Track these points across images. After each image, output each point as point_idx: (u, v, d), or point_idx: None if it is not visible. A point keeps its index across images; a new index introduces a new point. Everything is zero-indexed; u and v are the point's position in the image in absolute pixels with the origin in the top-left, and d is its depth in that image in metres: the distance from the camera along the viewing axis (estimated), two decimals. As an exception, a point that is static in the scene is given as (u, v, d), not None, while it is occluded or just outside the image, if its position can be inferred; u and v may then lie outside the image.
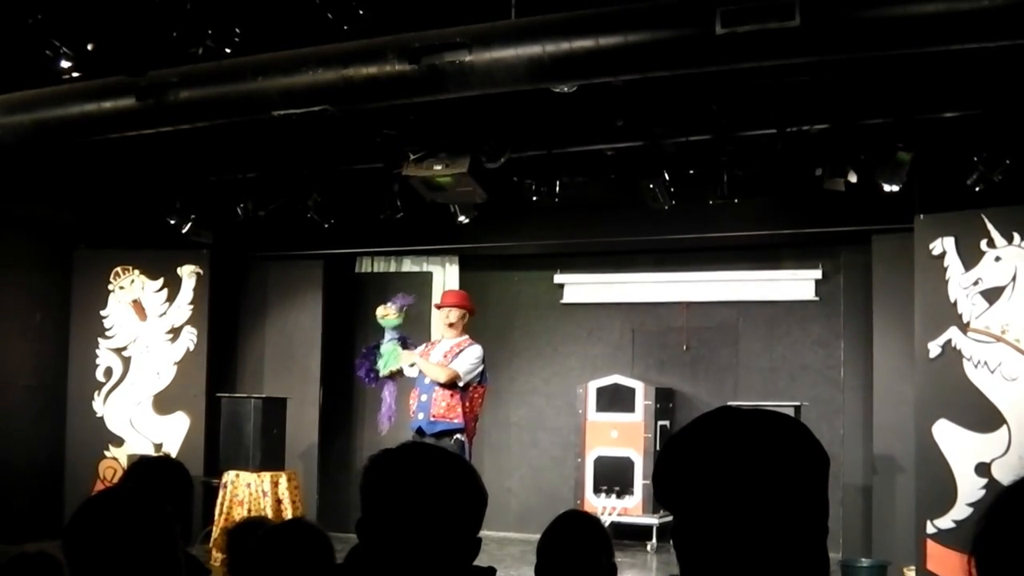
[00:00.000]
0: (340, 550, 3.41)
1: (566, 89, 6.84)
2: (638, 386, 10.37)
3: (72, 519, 2.48)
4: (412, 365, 7.77)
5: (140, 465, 3.80)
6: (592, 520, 3.70)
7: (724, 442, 1.45)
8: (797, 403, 9.32)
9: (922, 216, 8.54)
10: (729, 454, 1.43)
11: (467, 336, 7.79)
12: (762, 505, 1.40)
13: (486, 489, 2.09)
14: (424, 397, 7.58)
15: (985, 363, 8.11)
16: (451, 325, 7.79)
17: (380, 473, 1.99)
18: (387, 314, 7.88)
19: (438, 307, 8.21)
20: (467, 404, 7.54)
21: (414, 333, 8.41)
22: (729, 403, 9.53)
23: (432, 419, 7.50)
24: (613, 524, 9.76)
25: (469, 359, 7.60)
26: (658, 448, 10.17)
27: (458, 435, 7.46)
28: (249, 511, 9.05)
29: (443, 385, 7.51)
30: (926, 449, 8.35)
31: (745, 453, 1.43)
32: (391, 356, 7.83)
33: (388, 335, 7.90)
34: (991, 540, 1.36)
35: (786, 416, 1.50)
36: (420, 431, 7.54)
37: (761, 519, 1.40)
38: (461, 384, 7.52)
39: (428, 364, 7.62)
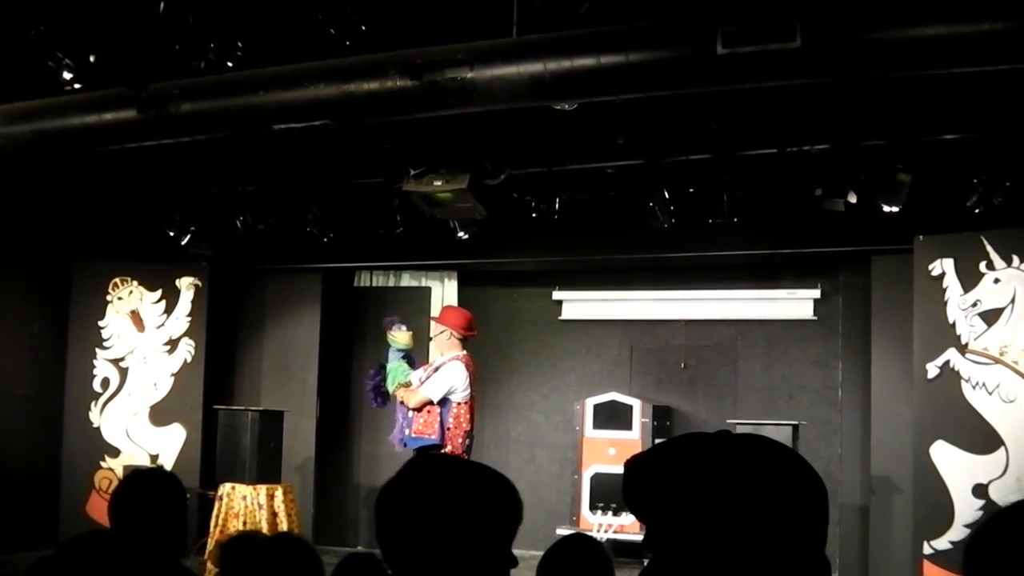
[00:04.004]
0: (334, 565, 3.41)
1: (567, 107, 6.85)
2: (635, 403, 10.35)
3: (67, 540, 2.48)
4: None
5: (132, 477, 3.79)
6: (595, 544, 3.66)
7: (705, 474, 1.42)
8: (795, 422, 9.30)
9: (921, 237, 8.55)
10: (710, 486, 1.40)
11: (456, 353, 7.80)
12: (743, 535, 1.38)
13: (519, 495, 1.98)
14: (410, 413, 7.74)
15: (983, 384, 8.11)
16: (432, 339, 7.96)
17: (405, 490, 1.91)
18: (397, 336, 7.98)
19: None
20: (451, 420, 7.60)
21: (414, 347, 8.41)
22: (727, 422, 9.56)
23: (413, 435, 7.66)
24: (609, 541, 9.74)
25: (438, 380, 7.68)
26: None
27: (439, 452, 7.53)
28: (245, 524, 9.02)
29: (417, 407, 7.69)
30: (924, 470, 8.34)
31: (728, 485, 1.40)
32: (398, 372, 7.87)
33: (393, 355, 7.96)
34: (983, 562, 1.36)
35: (776, 443, 1.47)
36: (405, 445, 7.74)
37: (741, 549, 1.38)
38: (436, 402, 7.61)
39: (405, 392, 7.78)
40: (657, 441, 10.13)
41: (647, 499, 1.45)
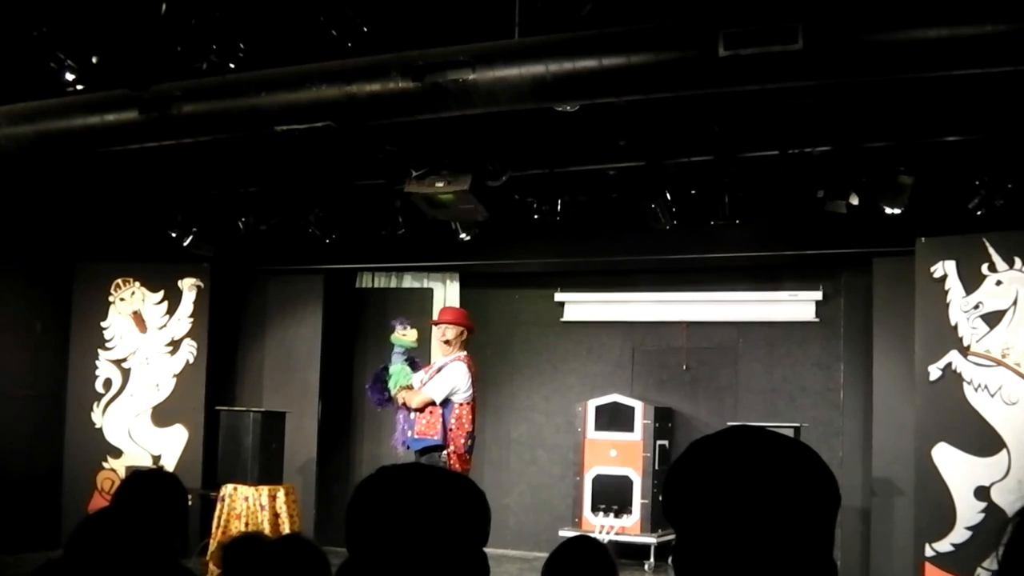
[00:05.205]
0: (337, 565, 3.40)
1: (568, 108, 6.85)
2: (637, 405, 10.35)
3: (71, 537, 2.48)
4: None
5: (133, 479, 3.79)
6: (599, 546, 3.69)
7: (737, 465, 1.45)
8: (796, 424, 9.30)
9: (923, 239, 8.55)
10: (739, 478, 1.43)
11: (459, 354, 7.81)
12: (765, 532, 1.41)
13: (487, 500, 2.02)
14: (412, 414, 7.74)
15: (985, 387, 8.11)
16: (447, 342, 7.92)
17: (373, 500, 1.91)
18: (405, 334, 7.97)
19: (434, 324, 8.29)
20: (452, 421, 7.61)
21: (416, 350, 8.40)
22: (728, 424, 9.55)
23: (416, 436, 7.67)
24: (611, 543, 9.74)
25: (440, 381, 7.69)
26: (657, 467, 10.16)
27: (441, 452, 7.55)
28: (247, 525, 9.03)
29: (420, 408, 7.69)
30: (925, 472, 8.33)
31: (756, 478, 1.43)
32: (400, 374, 7.87)
33: (397, 356, 7.95)
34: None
35: (806, 447, 1.51)
36: (408, 447, 7.75)
37: (764, 546, 1.40)
38: (438, 402, 7.60)
39: (408, 394, 7.79)
40: (659, 443, 10.23)
41: (680, 501, 1.48)
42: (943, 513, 8.17)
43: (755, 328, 10.63)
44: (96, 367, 10.72)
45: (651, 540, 9.97)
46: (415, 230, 9.57)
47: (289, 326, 11.28)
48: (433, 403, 7.61)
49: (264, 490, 9.35)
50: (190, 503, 5.01)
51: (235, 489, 9.35)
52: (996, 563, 1.40)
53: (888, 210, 7.98)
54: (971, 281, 8.27)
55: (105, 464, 10.53)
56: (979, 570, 7.78)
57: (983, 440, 8.06)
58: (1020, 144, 7.58)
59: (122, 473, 10.10)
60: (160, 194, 9.96)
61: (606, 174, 8.91)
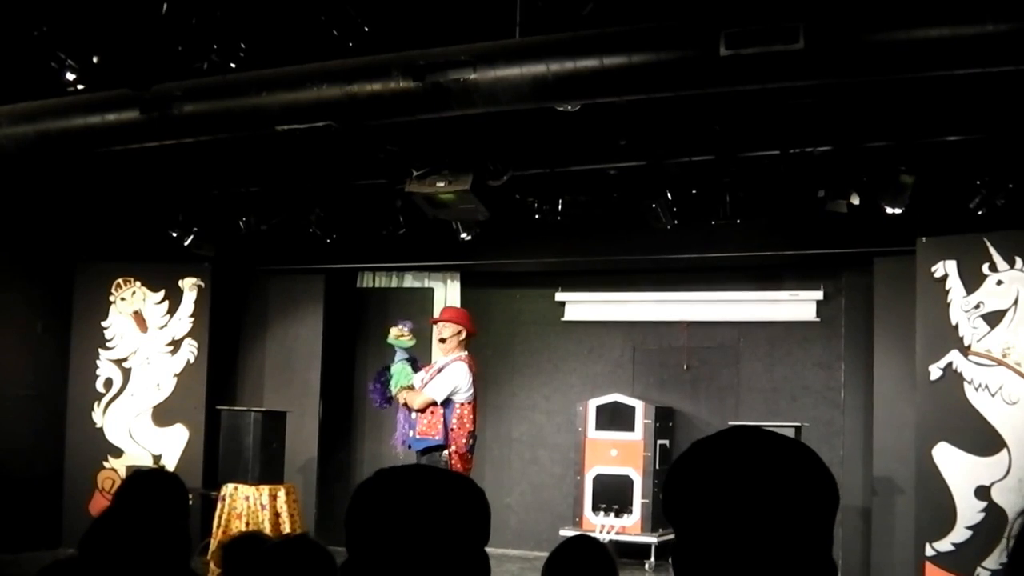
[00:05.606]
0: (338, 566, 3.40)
1: (569, 108, 6.85)
2: (638, 405, 10.35)
3: (85, 538, 2.48)
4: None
5: (135, 478, 3.79)
6: (599, 546, 3.69)
7: (737, 465, 1.46)
8: (797, 424, 9.30)
9: (924, 239, 8.55)
10: (739, 478, 1.44)
11: (459, 353, 7.81)
12: (765, 532, 1.41)
13: (487, 499, 2.02)
14: (413, 414, 7.74)
15: (986, 386, 8.10)
16: (442, 340, 7.91)
17: (372, 503, 1.91)
18: (402, 335, 7.96)
19: (432, 322, 8.30)
20: (454, 421, 7.61)
21: (416, 350, 8.40)
22: (729, 423, 9.55)
23: (417, 436, 7.68)
24: (611, 542, 9.74)
25: (442, 380, 7.69)
26: (658, 467, 10.16)
27: (443, 452, 7.55)
28: (247, 524, 9.03)
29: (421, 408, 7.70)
30: (926, 472, 8.33)
31: (755, 479, 1.44)
32: (401, 375, 7.86)
33: (399, 356, 7.95)
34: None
35: (806, 448, 1.51)
36: (409, 447, 7.76)
37: (762, 546, 1.41)
38: (440, 402, 7.61)
39: (409, 394, 7.79)
40: (660, 442, 10.23)
41: (679, 501, 1.48)
42: (944, 512, 8.17)
43: (756, 328, 10.63)
44: (97, 367, 10.72)
45: (651, 540, 9.97)
46: (416, 230, 9.56)
47: (290, 326, 11.29)
48: (434, 403, 7.62)
49: (265, 490, 9.35)
50: (191, 503, 5.01)
51: (236, 489, 9.35)
52: (998, 562, 1.40)
53: (889, 210, 7.98)
54: (972, 281, 8.27)
55: (106, 464, 10.53)
56: (979, 569, 7.78)
57: (983, 440, 8.06)
58: (1020, 144, 7.58)
59: (123, 473, 10.10)
60: (160, 194, 9.96)
61: (607, 174, 8.91)
